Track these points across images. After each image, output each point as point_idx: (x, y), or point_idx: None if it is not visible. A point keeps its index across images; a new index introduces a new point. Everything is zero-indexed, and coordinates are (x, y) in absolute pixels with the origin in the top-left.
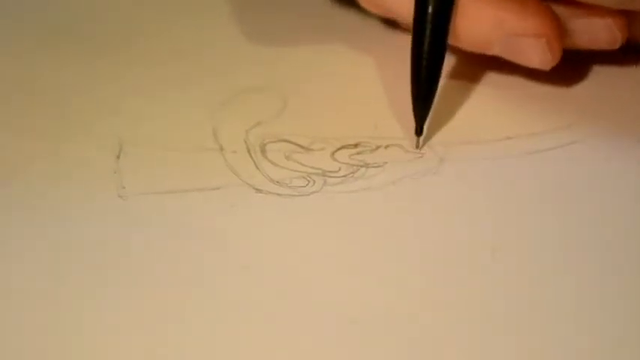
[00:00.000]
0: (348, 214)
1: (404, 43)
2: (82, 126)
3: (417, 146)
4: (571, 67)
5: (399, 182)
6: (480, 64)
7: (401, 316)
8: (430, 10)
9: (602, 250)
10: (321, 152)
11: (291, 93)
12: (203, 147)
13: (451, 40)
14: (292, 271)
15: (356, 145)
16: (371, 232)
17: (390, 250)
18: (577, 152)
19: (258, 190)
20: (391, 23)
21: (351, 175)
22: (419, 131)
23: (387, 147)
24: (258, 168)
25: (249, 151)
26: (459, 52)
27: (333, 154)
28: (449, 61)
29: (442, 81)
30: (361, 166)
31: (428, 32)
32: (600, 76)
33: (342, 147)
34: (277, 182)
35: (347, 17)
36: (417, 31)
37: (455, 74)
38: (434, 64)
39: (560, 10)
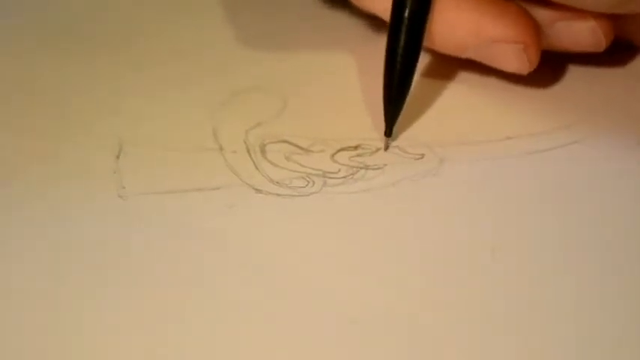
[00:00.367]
0: (348, 214)
1: None
2: (82, 126)
3: (385, 148)
4: (571, 67)
5: (399, 184)
6: (479, 65)
7: (401, 316)
8: (406, 14)
9: (602, 250)
10: (320, 154)
11: (291, 93)
12: (203, 147)
13: (425, 43)
14: (292, 271)
15: (356, 147)
16: (371, 233)
17: (390, 250)
18: (577, 152)
19: (258, 191)
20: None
21: (351, 176)
22: (388, 133)
23: (386, 148)
24: (257, 168)
25: (248, 151)
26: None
27: (332, 155)
28: (447, 63)
29: (442, 81)
30: (361, 168)
31: (402, 38)
32: (600, 76)
33: (342, 149)
34: (277, 182)
35: (348, 18)
36: (392, 36)
37: (453, 75)
38: (407, 68)
39: (545, 12)
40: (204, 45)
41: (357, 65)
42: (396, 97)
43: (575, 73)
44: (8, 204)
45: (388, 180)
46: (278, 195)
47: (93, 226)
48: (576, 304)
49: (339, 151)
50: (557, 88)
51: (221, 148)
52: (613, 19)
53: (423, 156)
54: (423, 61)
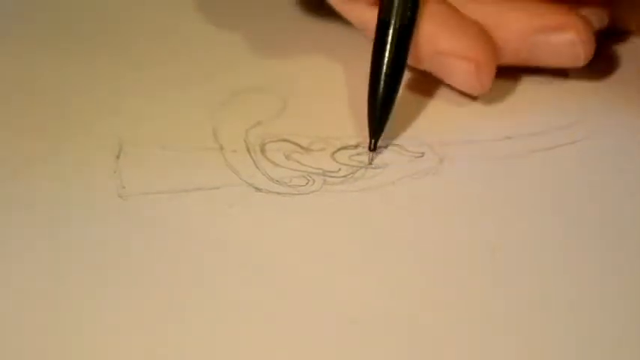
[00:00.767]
0: (349, 213)
1: None
2: (82, 126)
3: (370, 162)
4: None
5: (399, 182)
6: None
7: (401, 316)
8: (389, 38)
9: (602, 250)
10: (320, 152)
11: (291, 93)
12: (203, 147)
13: None
14: (292, 271)
15: (356, 146)
16: (371, 232)
17: (390, 250)
18: (577, 152)
19: (258, 190)
20: None
21: (351, 175)
22: (372, 147)
23: (387, 147)
24: (257, 167)
25: (249, 150)
26: None
27: (333, 154)
28: None
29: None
30: (361, 167)
31: (386, 56)
32: (601, 75)
33: (342, 147)
34: (277, 181)
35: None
36: (376, 55)
37: None
38: (391, 88)
39: (522, 24)
40: (204, 45)
41: (357, 65)
42: (380, 116)
43: (575, 73)
44: (8, 204)
45: (388, 178)
46: (278, 194)
47: (93, 226)
48: (576, 304)
49: (339, 149)
50: (558, 88)
51: (221, 148)
52: (607, 4)
53: (423, 155)
54: None
